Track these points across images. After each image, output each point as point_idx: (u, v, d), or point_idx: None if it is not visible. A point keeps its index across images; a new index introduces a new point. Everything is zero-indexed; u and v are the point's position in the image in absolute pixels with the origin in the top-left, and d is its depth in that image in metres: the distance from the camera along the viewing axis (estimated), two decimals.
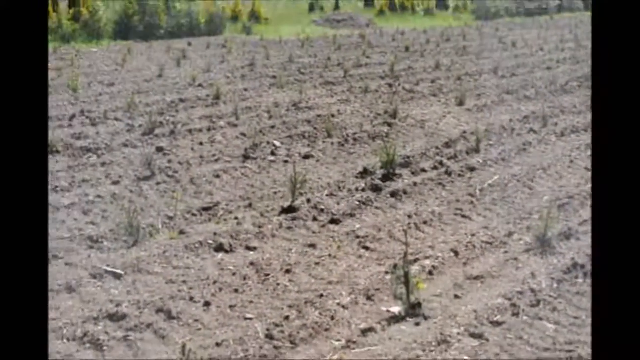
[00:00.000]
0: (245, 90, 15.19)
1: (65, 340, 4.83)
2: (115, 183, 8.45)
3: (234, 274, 5.96)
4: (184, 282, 5.78)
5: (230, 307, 5.37)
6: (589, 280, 5.74)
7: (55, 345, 4.75)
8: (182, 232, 6.86)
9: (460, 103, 13.61)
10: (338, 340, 4.88)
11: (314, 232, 6.99)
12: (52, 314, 5.17)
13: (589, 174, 8.97)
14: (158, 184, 8.42)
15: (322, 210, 7.51)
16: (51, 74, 17.08)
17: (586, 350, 4.61)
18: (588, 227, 6.93)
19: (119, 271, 5.92)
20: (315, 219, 7.28)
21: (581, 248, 6.38)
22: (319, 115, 12.47)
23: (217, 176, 8.82)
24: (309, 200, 7.78)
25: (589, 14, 45.86)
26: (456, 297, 5.55)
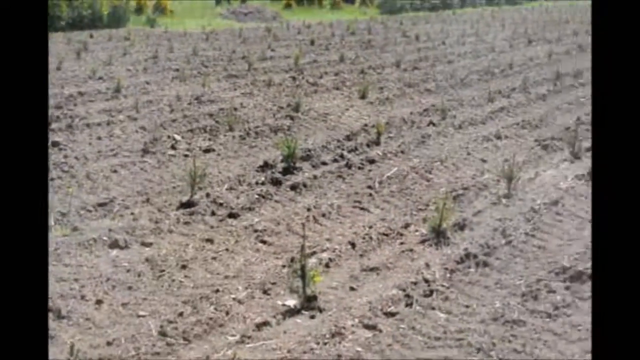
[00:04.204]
0: (147, 83, 14.93)
1: None
2: None
3: (128, 271, 5.86)
4: (76, 280, 5.64)
5: (123, 304, 5.28)
6: (480, 270, 5.89)
7: None
8: (75, 229, 6.70)
9: (363, 96, 13.71)
10: (232, 335, 4.85)
11: (211, 227, 6.93)
12: None
13: (485, 165, 9.19)
14: (52, 179, 8.19)
15: (220, 204, 7.46)
16: None
17: (475, 338, 4.72)
18: (481, 218, 7.11)
19: None
20: (213, 213, 7.22)
21: (474, 238, 6.53)
22: (221, 109, 12.37)
23: (115, 171, 8.66)
24: (207, 195, 7.70)
25: (491, 8, 46.93)
26: (352, 289, 5.59)
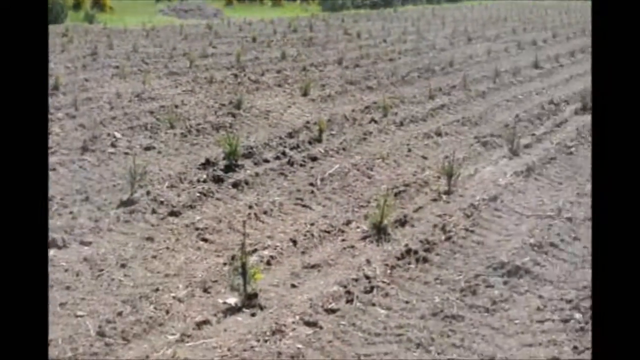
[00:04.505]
0: (86, 80, 14.71)
1: None
2: None
3: (66, 270, 5.77)
4: None
5: (61, 304, 5.20)
6: (420, 266, 5.94)
7: None
8: None
9: (305, 93, 13.72)
10: (172, 334, 4.82)
11: (152, 225, 6.87)
12: None
13: (426, 162, 9.28)
14: None
15: (161, 202, 7.39)
16: None
17: (415, 333, 4.76)
18: (422, 214, 7.18)
19: None
20: (154, 212, 7.16)
21: (415, 234, 6.59)
22: (162, 106, 12.25)
23: (53, 169, 8.51)
24: (148, 193, 7.62)
25: (431, 6, 47.35)
26: (293, 286, 5.60)
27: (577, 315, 5.00)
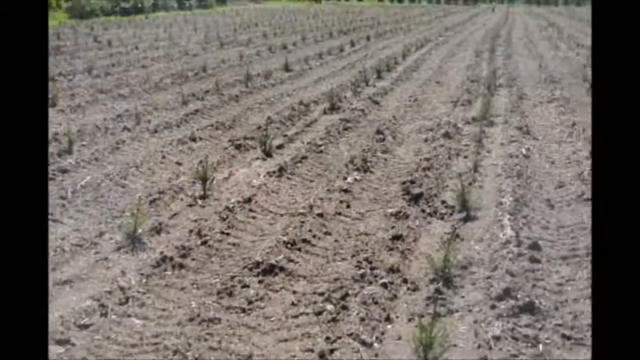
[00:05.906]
0: None
1: None
2: None
3: None
4: None
5: None
6: (177, 272, 5.92)
7: None
8: None
9: (53, 104, 13.17)
10: None
11: None
12: None
13: (180, 168, 9.24)
14: None
15: None
16: None
17: (172, 340, 4.73)
18: (178, 220, 7.16)
19: None
20: None
21: (170, 241, 6.55)
22: None
23: None
24: None
25: (183, 12, 47.26)
26: None
27: (329, 307, 5.21)
